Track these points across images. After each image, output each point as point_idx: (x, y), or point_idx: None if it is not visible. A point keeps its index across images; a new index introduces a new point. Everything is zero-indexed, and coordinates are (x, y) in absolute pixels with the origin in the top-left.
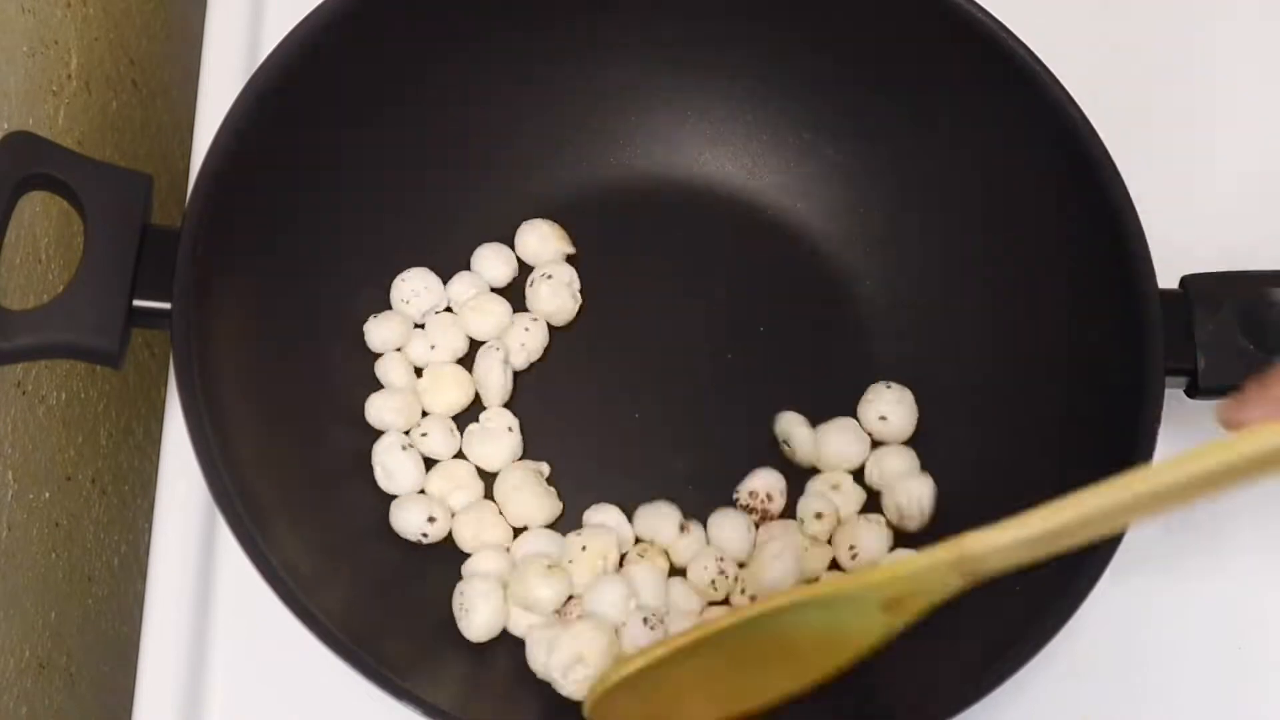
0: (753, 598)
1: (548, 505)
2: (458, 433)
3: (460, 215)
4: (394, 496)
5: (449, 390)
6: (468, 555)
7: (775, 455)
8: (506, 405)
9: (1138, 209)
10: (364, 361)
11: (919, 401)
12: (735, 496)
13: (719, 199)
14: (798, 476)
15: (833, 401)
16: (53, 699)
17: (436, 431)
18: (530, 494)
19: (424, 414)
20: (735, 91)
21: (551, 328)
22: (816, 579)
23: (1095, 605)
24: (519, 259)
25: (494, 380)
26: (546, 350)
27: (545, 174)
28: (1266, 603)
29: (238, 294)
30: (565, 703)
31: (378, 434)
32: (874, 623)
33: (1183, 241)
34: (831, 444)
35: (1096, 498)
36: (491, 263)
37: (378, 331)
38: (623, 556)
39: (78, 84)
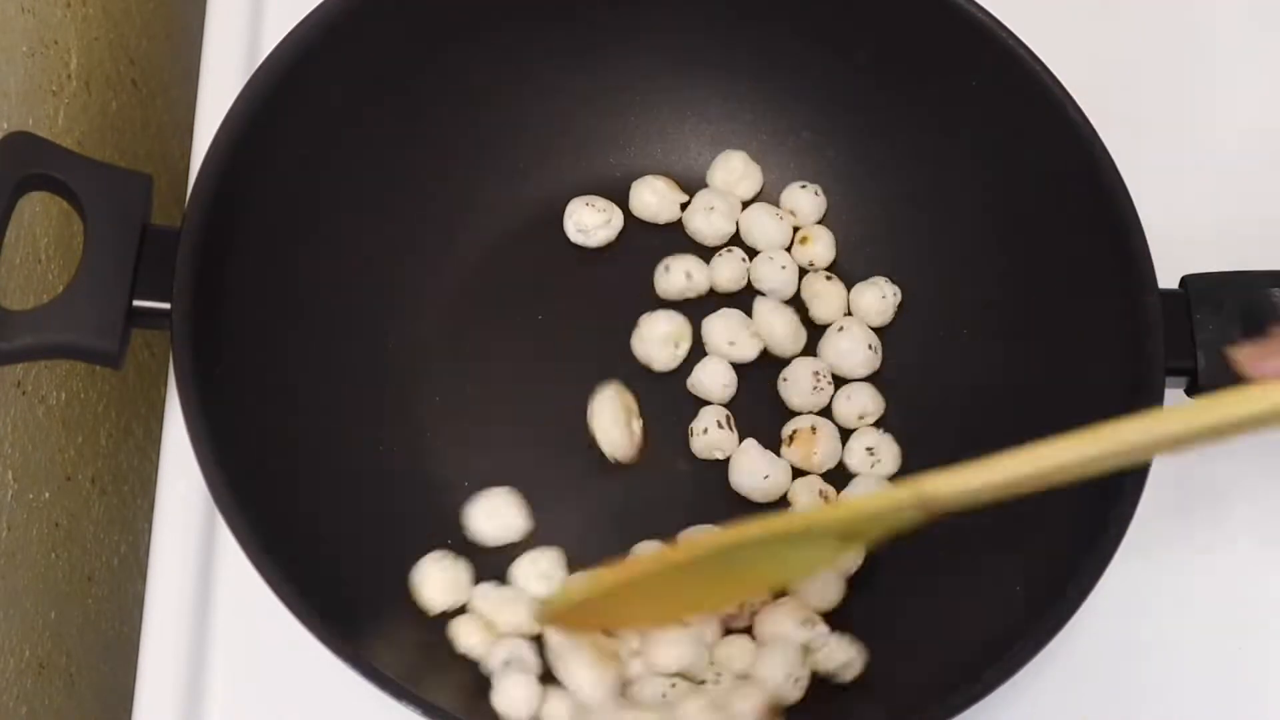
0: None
1: None
2: None
3: (459, 214)
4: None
5: None
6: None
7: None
8: None
9: (1138, 209)
10: (365, 357)
11: (916, 404)
12: None
13: None
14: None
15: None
16: (53, 699)
17: None
18: None
19: None
20: (735, 91)
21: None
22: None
23: (1095, 605)
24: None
25: None
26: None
27: (545, 173)
28: (1266, 603)
29: (238, 294)
30: None
31: (380, 432)
32: (830, 551)
33: (1183, 241)
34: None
35: (1060, 449)
36: None
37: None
38: None
39: (78, 84)
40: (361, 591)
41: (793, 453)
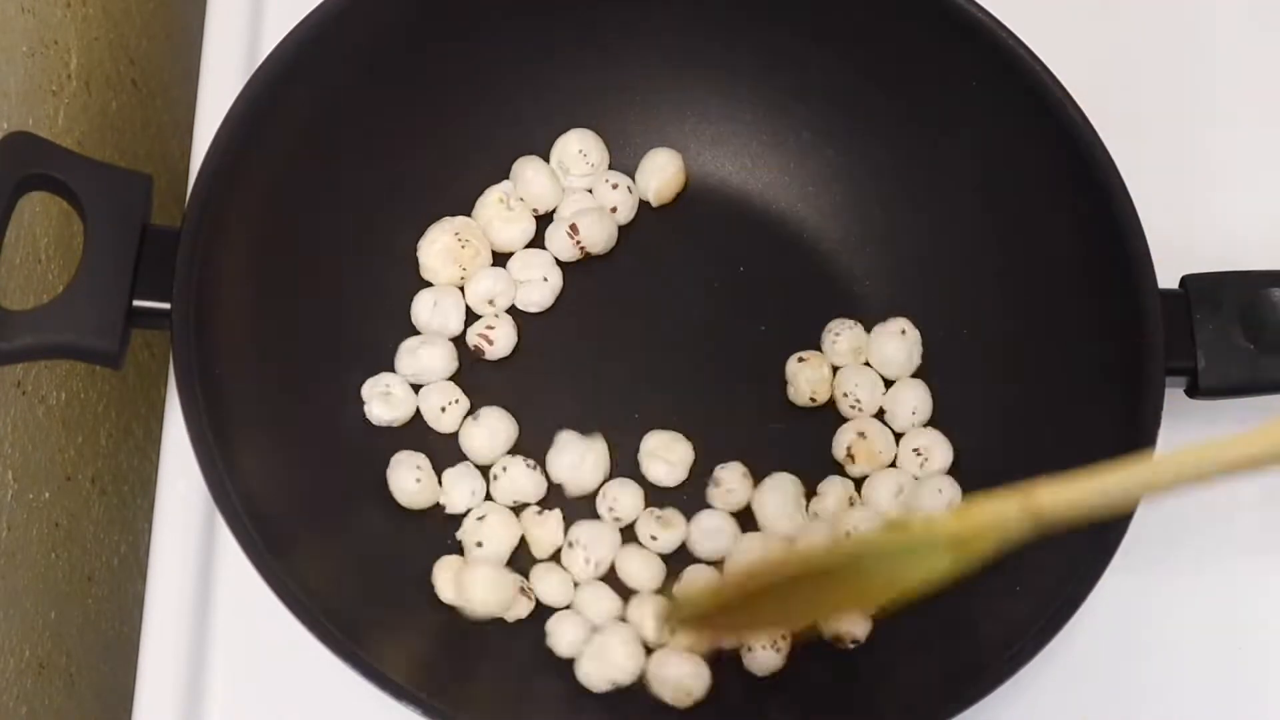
0: None
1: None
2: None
3: (461, 214)
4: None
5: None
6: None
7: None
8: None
9: (1138, 209)
10: (365, 358)
11: None
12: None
13: (718, 199)
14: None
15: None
16: (53, 699)
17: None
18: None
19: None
20: (736, 91)
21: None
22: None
23: (1095, 605)
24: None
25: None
26: (533, 341)
27: None
28: (1266, 603)
29: (238, 294)
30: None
31: (381, 433)
32: (940, 562)
33: (1183, 241)
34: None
35: (1175, 462)
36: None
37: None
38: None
39: (78, 84)
40: (362, 590)
41: (856, 467)
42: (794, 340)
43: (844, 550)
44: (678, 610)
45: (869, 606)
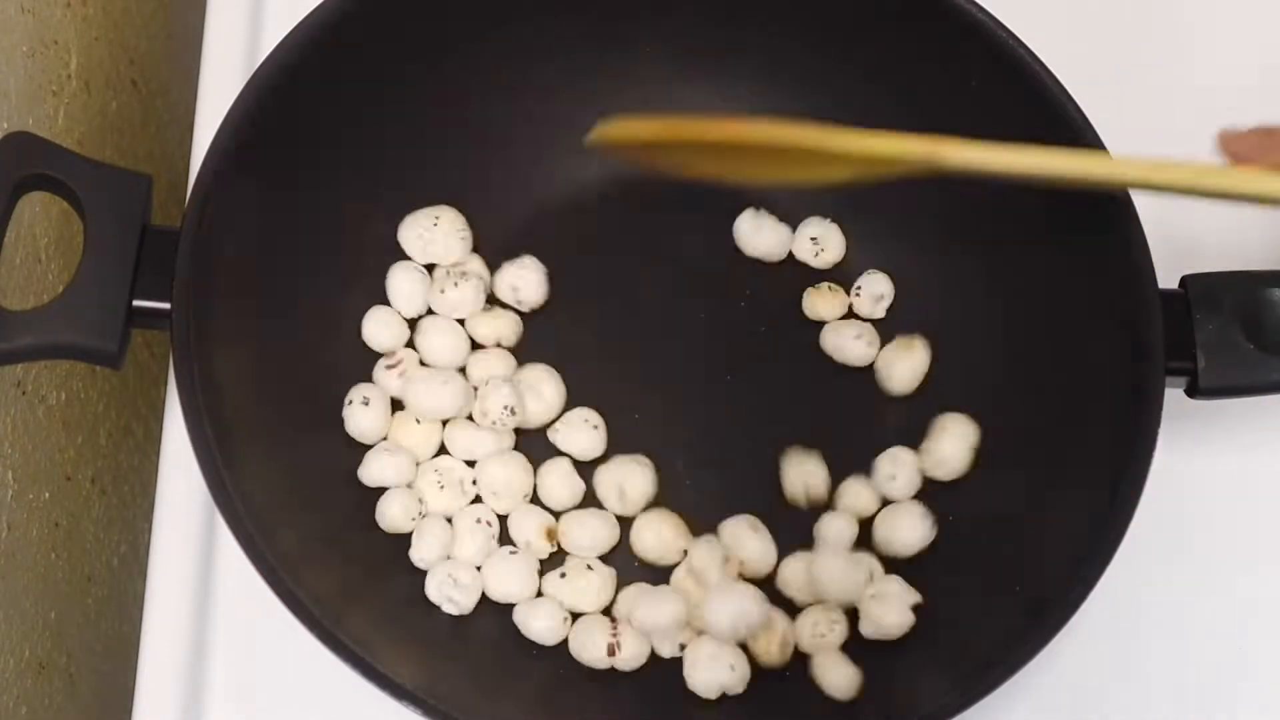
0: None
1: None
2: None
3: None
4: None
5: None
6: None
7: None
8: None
9: (1138, 209)
10: (363, 360)
11: (914, 400)
12: None
13: (719, 199)
14: None
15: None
16: (53, 699)
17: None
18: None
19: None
20: (736, 94)
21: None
22: None
23: (1095, 605)
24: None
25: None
26: (538, 346)
27: (545, 174)
28: (1266, 603)
29: (237, 294)
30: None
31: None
32: (844, 171)
33: (1183, 241)
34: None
35: (1077, 159)
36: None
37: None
38: None
39: (78, 84)
40: (363, 591)
41: None
42: (792, 345)
43: (776, 135)
44: (612, 128)
45: (779, 182)
